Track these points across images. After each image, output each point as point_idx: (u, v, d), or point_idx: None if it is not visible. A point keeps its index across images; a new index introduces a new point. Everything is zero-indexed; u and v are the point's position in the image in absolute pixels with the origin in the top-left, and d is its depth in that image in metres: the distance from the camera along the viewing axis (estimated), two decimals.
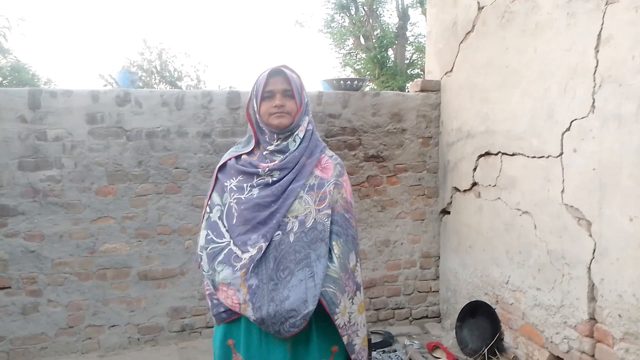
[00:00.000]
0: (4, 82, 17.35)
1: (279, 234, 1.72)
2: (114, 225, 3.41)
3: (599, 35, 2.34)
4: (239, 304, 1.68)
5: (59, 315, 3.38)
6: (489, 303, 3.28)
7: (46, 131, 3.26)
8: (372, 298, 3.89)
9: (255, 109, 1.81)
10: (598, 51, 2.35)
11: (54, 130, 3.27)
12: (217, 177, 1.88)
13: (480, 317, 3.32)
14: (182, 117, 3.44)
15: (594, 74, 2.37)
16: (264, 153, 1.82)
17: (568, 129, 2.55)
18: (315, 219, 1.74)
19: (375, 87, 15.69)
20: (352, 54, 18.53)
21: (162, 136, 3.42)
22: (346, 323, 1.72)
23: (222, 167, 1.89)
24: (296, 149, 1.79)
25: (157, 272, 3.50)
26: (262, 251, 1.70)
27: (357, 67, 17.95)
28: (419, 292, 3.98)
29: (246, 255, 1.71)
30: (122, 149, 3.38)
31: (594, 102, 2.38)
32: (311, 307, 1.64)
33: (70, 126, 3.29)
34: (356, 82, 3.84)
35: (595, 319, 2.45)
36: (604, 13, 2.31)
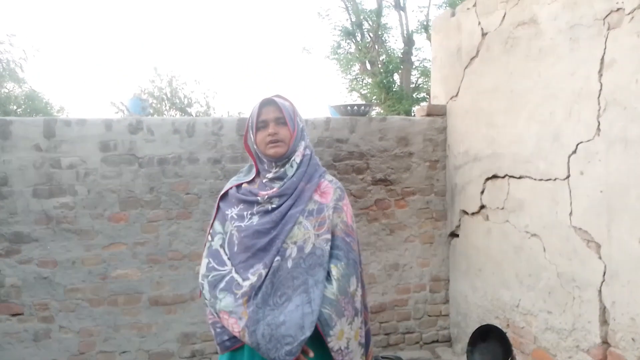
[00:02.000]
0: (18, 110, 17.62)
1: (278, 260, 1.73)
2: (126, 251, 3.44)
3: (602, 59, 2.38)
4: (239, 332, 1.69)
5: (71, 341, 3.39)
6: (500, 327, 3.26)
7: (60, 159, 3.33)
8: (382, 322, 3.87)
9: (252, 140, 1.85)
10: (602, 75, 2.39)
11: (68, 158, 3.34)
12: (218, 206, 1.92)
13: (491, 341, 3.30)
14: (193, 143, 3.50)
15: (599, 97, 2.40)
16: (264, 181, 1.86)
17: (574, 152, 2.57)
18: (314, 245, 1.76)
19: (382, 111, 15.77)
20: (358, 79, 18.66)
21: (173, 163, 3.48)
22: (342, 348, 1.71)
23: (224, 196, 1.93)
24: (294, 174, 1.82)
25: (167, 298, 3.51)
26: (262, 278, 1.71)
27: (363, 92, 18.07)
28: (429, 316, 3.96)
29: (247, 283, 1.72)
30: (134, 175, 3.43)
31: (599, 125, 2.40)
32: (308, 333, 1.64)
33: (83, 154, 3.36)
34: (363, 107, 3.89)
35: (608, 343, 2.43)
36: (606, 38, 2.35)
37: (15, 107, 17.39)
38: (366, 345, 1.90)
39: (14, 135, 3.27)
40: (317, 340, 1.69)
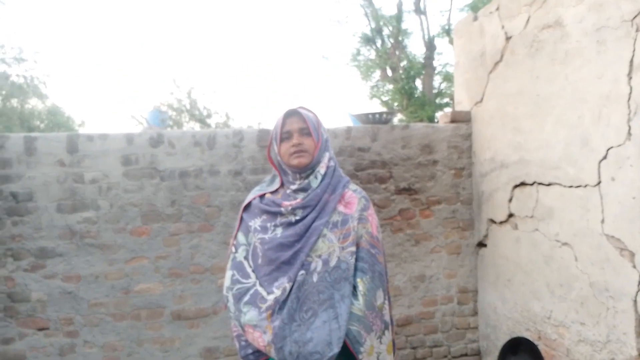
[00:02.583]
0: (41, 125, 18.10)
1: (302, 274, 1.71)
2: (148, 265, 3.44)
3: (631, 62, 2.30)
4: (264, 346, 1.68)
5: (95, 356, 3.40)
6: (531, 339, 3.17)
7: (83, 174, 3.35)
8: (408, 336, 3.79)
9: (276, 151, 1.84)
10: (631, 78, 2.31)
11: (91, 172, 3.36)
12: (242, 217, 1.90)
13: (522, 355, 3.20)
14: (214, 156, 3.50)
15: (628, 100, 2.32)
16: (287, 192, 1.84)
17: (605, 157, 2.49)
18: (339, 258, 1.73)
19: (404, 118, 15.70)
20: (379, 85, 18.66)
21: (194, 175, 3.48)
22: None
23: (247, 206, 1.92)
24: (318, 186, 1.80)
25: (190, 312, 3.50)
26: (287, 292, 1.69)
27: (384, 99, 18.04)
28: (457, 328, 3.87)
29: (271, 297, 1.71)
30: (156, 189, 3.44)
31: (630, 130, 2.32)
32: (336, 349, 1.62)
33: (106, 168, 3.38)
34: (384, 115, 3.85)
35: None
36: (635, 40, 2.28)
37: (38, 122, 17.91)
38: None
39: (39, 152, 3.31)
40: (346, 356, 1.67)
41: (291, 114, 1.83)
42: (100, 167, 3.37)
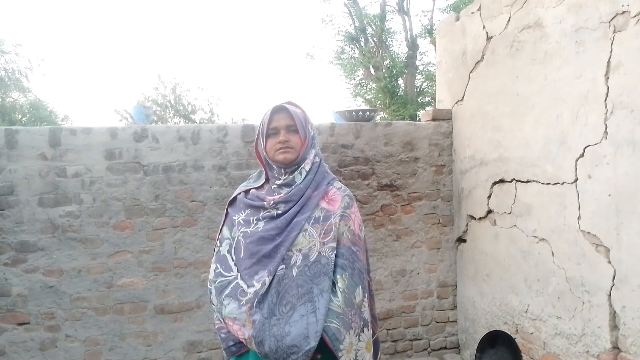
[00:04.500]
0: (23, 119, 17.78)
1: (282, 268, 1.72)
2: (131, 259, 3.43)
3: (608, 62, 2.37)
4: (245, 339, 1.69)
5: (77, 350, 3.39)
6: (509, 332, 3.23)
7: (66, 168, 3.33)
8: (389, 329, 3.84)
9: (262, 147, 1.85)
10: (608, 78, 2.37)
11: (74, 166, 3.34)
12: (227, 212, 1.92)
13: (500, 348, 3.26)
14: (198, 151, 3.50)
15: (605, 100, 2.39)
16: (272, 187, 1.85)
17: (582, 155, 2.55)
18: (319, 253, 1.73)
19: (387, 116, 15.79)
20: (362, 84, 18.74)
21: (178, 170, 3.48)
22: None
23: (232, 201, 1.93)
24: (302, 181, 1.81)
25: (173, 306, 3.50)
26: (267, 286, 1.70)
27: (367, 97, 18.12)
28: (436, 322, 3.93)
29: (251, 290, 1.71)
30: (139, 183, 3.43)
31: (606, 128, 2.39)
32: (313, 343, 1.62)
33: (89, 162, 3.36)
34: (368, 112, 3.89)
35: (618, 348, 2.40)
36: (612, 41, 2.34)
37: (20, 116, 17.57)
38: (374, 354, 1.88)
39: (20, 145, 3.27)
40: (328, 352, 1.68)
41: (279, 110, 1.83)
42: (83, 161, 3.35)
